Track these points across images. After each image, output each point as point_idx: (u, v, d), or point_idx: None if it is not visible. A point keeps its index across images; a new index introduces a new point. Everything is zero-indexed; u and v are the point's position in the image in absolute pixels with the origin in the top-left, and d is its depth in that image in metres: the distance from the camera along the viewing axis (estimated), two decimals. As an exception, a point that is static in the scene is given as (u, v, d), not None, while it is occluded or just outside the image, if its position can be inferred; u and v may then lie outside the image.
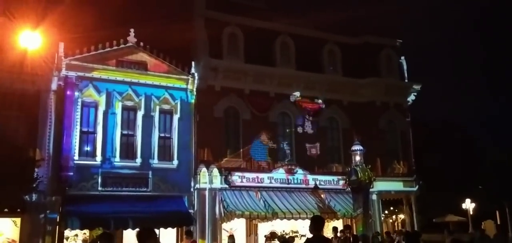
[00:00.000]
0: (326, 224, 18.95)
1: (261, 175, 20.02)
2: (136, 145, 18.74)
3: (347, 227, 16.80)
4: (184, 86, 19.88)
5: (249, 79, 21.03)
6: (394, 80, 24.21)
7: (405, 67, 24.83)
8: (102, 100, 18.45)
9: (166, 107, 19.56)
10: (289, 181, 20.45)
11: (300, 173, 20.74)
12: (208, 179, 18.93)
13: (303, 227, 19.85)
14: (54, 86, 17.58)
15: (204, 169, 18.98)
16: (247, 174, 19.77)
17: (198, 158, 19.35)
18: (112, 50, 19.08)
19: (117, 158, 18.21)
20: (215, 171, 19.10)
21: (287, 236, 17.98)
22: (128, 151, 18.63)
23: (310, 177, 20.89)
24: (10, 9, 16.23)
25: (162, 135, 19.40)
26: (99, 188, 17.57)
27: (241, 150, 20.41)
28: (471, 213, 32.32)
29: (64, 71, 17.79)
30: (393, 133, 23.67)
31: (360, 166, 18.82)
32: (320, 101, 22.26)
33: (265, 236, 18.35)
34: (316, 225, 6.73)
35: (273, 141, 21.03)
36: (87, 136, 18.22)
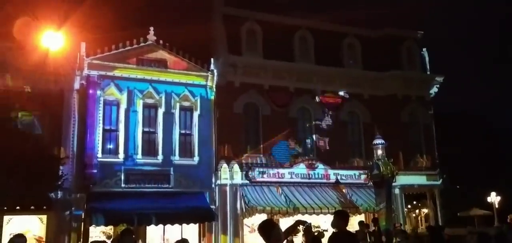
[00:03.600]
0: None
1: (281, 171, 19.97)
2: (158, 142, 18.93)
3: (375, 221, 16.52)
4: (203, 82, 19.96)
5: (268, 75, 20.99)
6: (415, 73, 23.82)
7: (427, 59, 24.39)
8: (123, 98, 18.68)
9: (186, 104, 19.69)
10: (310, 176, 20.34)
11: (321, 168, 20.60)
12: (229, 175, 18.98)
13: (324, 222, 19.66)
14: (76, 85, 17.94)
15: (224, 165, 19.04)
16: (267, 170, 19.74)
17: (219, 154, 19.42)
18: (132, 48, 19.28)
19: (139, 155, 18.43)
20: (236, 167, 19.13)
21: (315, 233, 17.78)
22: (149, 148, 18.84)
23: (331, 172, 20.72)
24: (33, 10, 16.53)
25: (183, 131, 19.55)
26: (122, 185, 17.84)
27: (261, 145, 20.40)
28: (496, 206, 31.57)
29: (86, 71, 18.07)
30: (416, 126, 23.30)
31: (382, 160, 18.52)
32: (342, 93, 22.09)
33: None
34: (341, 220, 6.59)
35: (293, 136, 20.95)
36: (109, 134, 18.50)
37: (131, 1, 21.67)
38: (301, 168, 20.30)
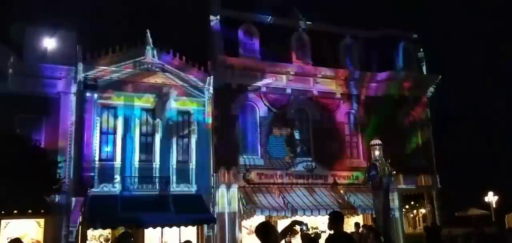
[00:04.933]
0: (346, 220, 18.82)
1: (279, 172, 19.98)
2: (155, 145, 18.89)
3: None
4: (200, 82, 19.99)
5: (265, 76, 20.98)
6: (412, 73, 23.85)
7: (424, 59, 24.43)
8: (121, 102, 18.63)
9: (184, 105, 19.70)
10: (308, 177, 20.34)
11: (318, 169, 20.61)
12: (227, 176, 18.98)
13: (322, 223, 19.73)
14: (74, 89, 17.88)
15: (222, 167, 19.02)
16: (265, 171, 19.75)
17: (217, 154, 19.39)
18: (130, 51, 19.20)
19: (137, 158, 18.39)
20: (234, 169, 19.14)
21: (312, 235, 17.77)
22: (147, 150, 18.80)
23: (328, 173, 20.73)
24: (31, 13, 16.55)
25: (181, 134, 19.53)
26: (120, 188, 17.79)
27: (259, 147, 20.40)
28: (494, 206, 31.67)
29: (83, 74, 18.01)
30: (413, 127, 23.31)
31: (380, 161, 18.56)
32: (338, 96, 22.14)
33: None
34: (337, 221, 6.54)
35: (291, 137, 20.95)
36: (107, 138, 18.46)
37: (127, 7, 21.71)
38: (299, 170, 20.30)
